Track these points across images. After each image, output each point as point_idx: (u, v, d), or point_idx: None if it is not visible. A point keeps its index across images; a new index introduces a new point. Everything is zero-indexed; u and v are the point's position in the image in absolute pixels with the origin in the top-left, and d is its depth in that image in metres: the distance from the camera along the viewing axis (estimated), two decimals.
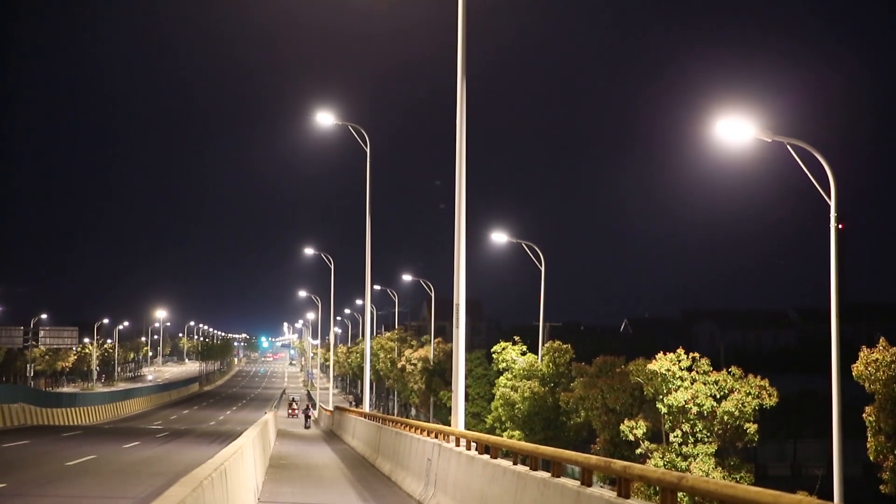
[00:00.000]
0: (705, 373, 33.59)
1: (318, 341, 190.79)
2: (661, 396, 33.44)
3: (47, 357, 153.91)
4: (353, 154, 52.48)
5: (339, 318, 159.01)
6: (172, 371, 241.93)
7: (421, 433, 30.04)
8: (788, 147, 23.90)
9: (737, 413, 32.33)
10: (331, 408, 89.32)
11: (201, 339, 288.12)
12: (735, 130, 24.61)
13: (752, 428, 32.49)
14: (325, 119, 50.72)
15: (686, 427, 32.91)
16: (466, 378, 42.65)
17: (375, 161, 53.22)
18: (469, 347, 39.60)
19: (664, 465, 31.66)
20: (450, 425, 27.28)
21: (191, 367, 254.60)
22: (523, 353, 51.44)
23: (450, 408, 29.11)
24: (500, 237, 55.44)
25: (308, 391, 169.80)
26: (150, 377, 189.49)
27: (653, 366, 34.07)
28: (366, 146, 52.11)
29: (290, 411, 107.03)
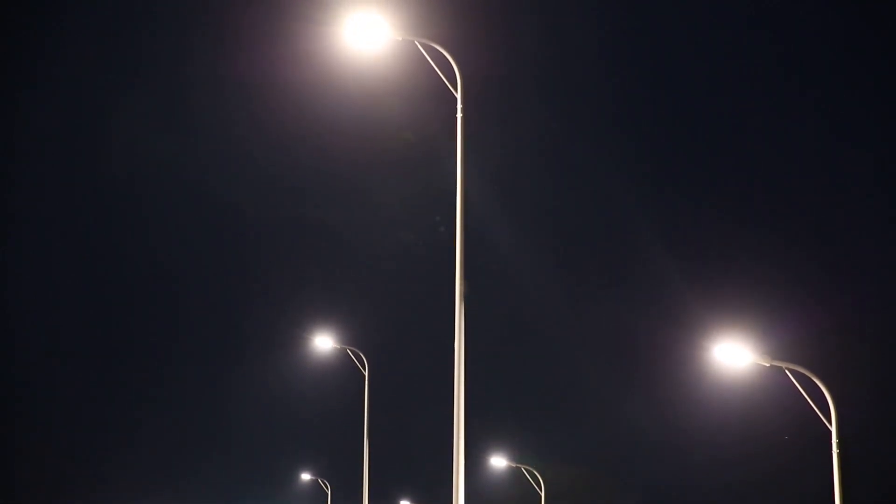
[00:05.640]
0: None
1: None
2: None
3: None
4: (353, 375, 52.21)
5: None
6: None
7: None
8: (787, 373, 23.88)
9: None
10: None
11: None
12: (733, 355, 24.64)
13: None
14: (323, 343, 50.57)
15: None
16: None
17: (375, 380, 52.65)
18: None
19: None
20: None
21: None
22: None
23: None
24: (499, 461, 54.75)
25: None
26: None
27: None
28: (364, 369, 51.72)
29: None
